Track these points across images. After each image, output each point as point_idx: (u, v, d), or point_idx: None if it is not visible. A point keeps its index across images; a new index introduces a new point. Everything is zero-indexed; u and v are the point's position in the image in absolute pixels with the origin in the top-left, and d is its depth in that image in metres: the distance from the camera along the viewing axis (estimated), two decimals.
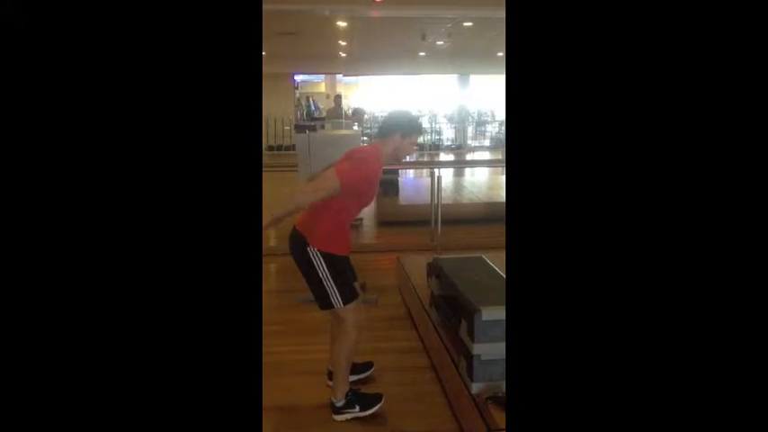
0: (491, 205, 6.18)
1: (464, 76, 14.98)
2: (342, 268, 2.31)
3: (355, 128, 8.50)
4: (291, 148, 11.58)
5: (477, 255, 3.11)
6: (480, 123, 16.24)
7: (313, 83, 17.13)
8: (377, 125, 13.78)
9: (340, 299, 2.27)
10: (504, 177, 8.29)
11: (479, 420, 2.02)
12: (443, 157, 13.68)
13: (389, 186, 6.40)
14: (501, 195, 6.77)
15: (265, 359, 1.37)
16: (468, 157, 13.79)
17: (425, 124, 13.61)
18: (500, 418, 1.99)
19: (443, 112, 15.94)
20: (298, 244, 2.28)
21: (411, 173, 9.13)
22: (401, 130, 2.31)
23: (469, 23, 8.31)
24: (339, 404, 2.39)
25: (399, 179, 7.00)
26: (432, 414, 2.45)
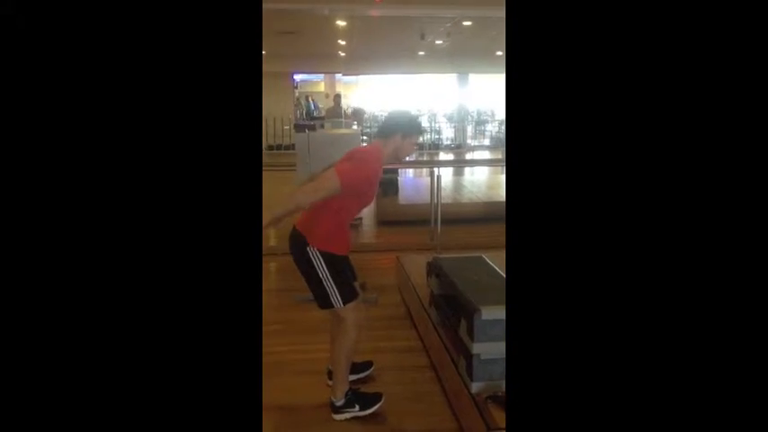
0: (490, 205, 6.18)
1: (463, 75, 14.98)
2: (341, 268, 2.31)
3: (354, 127, 8.50)
4: (291, 147, 11.57)
5: (476, 254, 3.11)
6: (480, 123, 16.24)
7: (312, 82, 17.11)
8: (376, 124, 13.80)
9: (340, 298, 2.27)
10: (503, 177, 8.30)
11: (479, 420, 2.02)
12: (443, 156, 13.68)
13: (389, 186, 6.40)
14: (500, 195, 6.77)
15: (265, 359, 1.37)
16: (468, 156, 13.80)
17: (425, 123, 13.60)
18: (500, 417, 2.00)
19: (443, 111, 15.94)
20: (297, 244, 2.28)
21: (411, 172, 9.13)
22: (401, 131, 2.31)
23: (469, 23, 8.31)
24: (339, 403, 2.39)
25: (399, 178, 7.00)
26: (431, 413, 2.45)
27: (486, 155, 14.02)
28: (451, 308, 2.63)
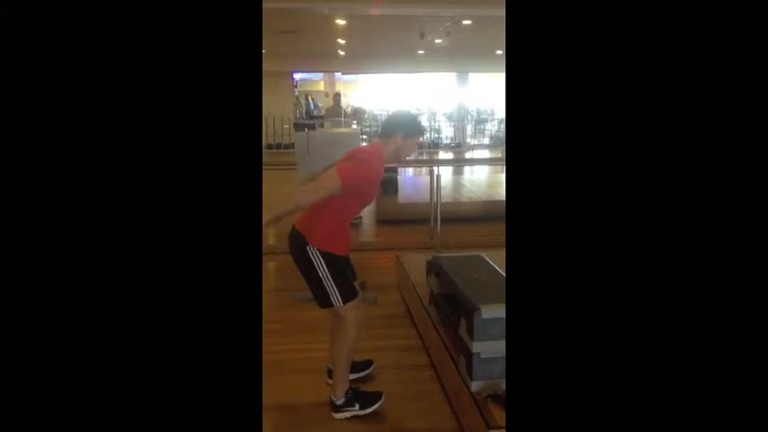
0: (490, 203, 6.19)
1: (463, 74, 14.98)
2: (341, 268, 2.31)
3: (354, 126, 8.50)
4: (290, 146, 11.58)
5: (476, 253, 3.11)
6: (479, 121, 16.24)
7: (312, 81, 17.10)
8: (376, 123, 13.80)
9: (340, 298, 2.27)
10: (503, 176, 8.30)
11: (479, 418, 2.02)
12: (442, 155, 13.68)
13: (388, 185, 6.40)
14: (500, 194, 6.78)
15: (265, 358, 1.37)
16: (468, 155, 13.80)
17: (424, 122, 13.60)
18: (499, 415, 2.00)
19: (442, 110, 15.94)
20: (297, 243, 2.28)
21: (410, 171, 9.13)
22: (403, 131, 2.31)
23: (468, 22, 8.30)
24: (339, 402, 2.39)
25: (398, 177, 7.00)
26: (431, 412, 2.45)
27: (485, 154, 14.02)
28: (451, 306, 2.63)
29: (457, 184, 7.96)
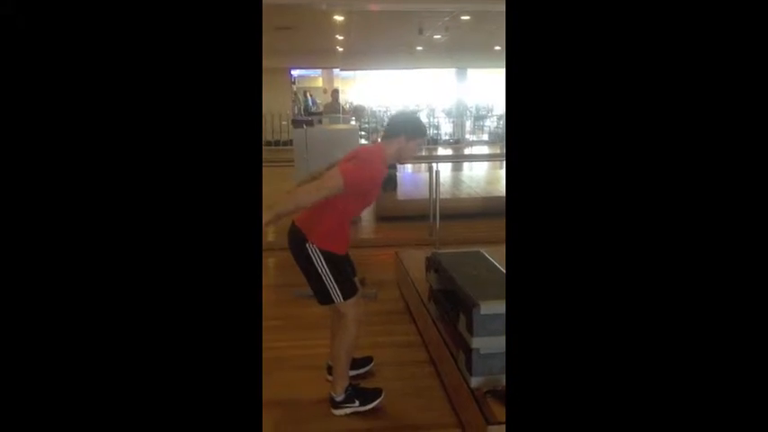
0: (489, 200, 6.18)
1: (462, 70, 14.95)
2: (342, 266, 2.31)
3: (353, 123, 8.49)
4: (289, 143, 11.55)
5: (475, 249, 3.12)
6: (478, 118, 16.22)
7: (310, 78, 17.07)
8: (374, 120, 13.78)
9: (340, 294, 2.28)
10: (502, 172, 8.30)
11: (478, 414, 2.03)
12: (441, 151, 13.67)
13: (388, 181, 6.36)
14: (499, 190, 6.78)
15: (265, 354, 1.37)
16: (467, 151, 13.79)
17: (423, 119, 13.59)
18: (499, 411, 2.01)
19: (441, 106, 15.91)
20: (296, 240, 2.28)
21: (409, 167, 9.13)
22: (405, 133, 2.31)
23: (467, 17, 8.28)
24: (339, 399, 2.40)
25: (397, 174, 6.99)
26: (431, 408, 2.45)
27: (484, 150, 13.99)
28: (450, 303, 2.64)
29: (456, 181, 7.96)
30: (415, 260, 3.58)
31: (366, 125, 13.07)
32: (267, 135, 13.38)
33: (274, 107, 13.25)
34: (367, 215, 6.24)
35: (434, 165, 5.45)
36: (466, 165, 10.17)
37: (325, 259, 2.24)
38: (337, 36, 10.50)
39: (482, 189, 7.20)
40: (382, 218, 6.09)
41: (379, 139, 2.41)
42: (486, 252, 3.01)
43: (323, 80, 16.81)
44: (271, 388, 2.31)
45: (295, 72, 15.30)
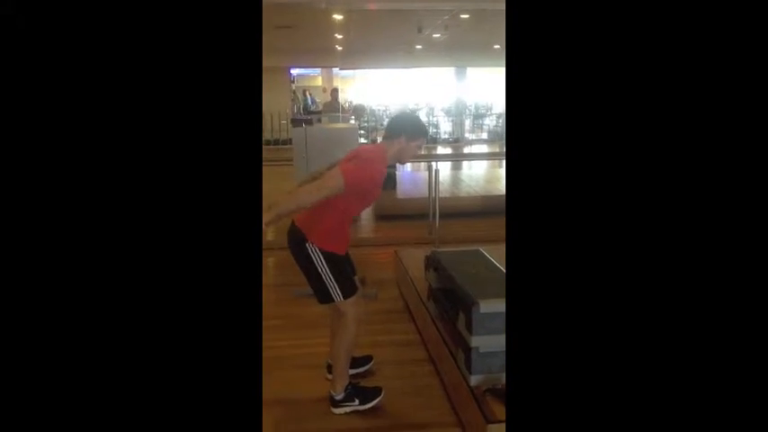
0: (488, 198, 6.19)
1: (461, 68, 14.96)
2: (342, 265, 2.32)
3: (352, 121, 8.48)
4: (288, 142, 11.55)
5: (474, 248, 3.12)
6: (478, 116, 16.22)
7: (309, 77, 17.08)
8: (374, 119, 13.78)
9: (340, 293, 2.28)
10: (501, 170, 8.30)
11: (478, 413, 2.03)
12: (441, 150, 13.67)
13: (387, 180, 6.38)
14: (498, 188, 6.78)
15: (265, 353, 1.38)
16: (466, 150, 13.78)
17: (423, 117, 13.59)
18: (498, 410, 2.01)
19: (440, 105, 15.91)
20: (296, 239, 2.28)
21: (408, 166, 9.12)
22: (406, 133, 2.31)
23: (466, 16, 8.28)
24: (338, 397, 2.40)
25: (397, 173, 7.00)
26: (430, 407, 2.46)
27: (484, 149, 13.97)
28: (450, 301, 2.64)
29: (455, 179, 7.96)
30: (415, 259, 3.58)
31: (365, 124, 13.07)
32: (266, 134, 13.37)
33: (273, 106, 13.24)
34: (366, 214, 6.24)
35: (434, 163, 5.45)
36: (465, 163, 10.16)
37: (324, 259, 2.24)
38: (337, 35, 10.49)
39: (481, 188, 7.21)
40: (381, 216, 6.09)
41: (380, 139, 2.40)
42: (485, 251, 3.01)
43: (322, 79, 16.81)
44: (271, 387, 2.32)
45: (294, 71, 15.31)
